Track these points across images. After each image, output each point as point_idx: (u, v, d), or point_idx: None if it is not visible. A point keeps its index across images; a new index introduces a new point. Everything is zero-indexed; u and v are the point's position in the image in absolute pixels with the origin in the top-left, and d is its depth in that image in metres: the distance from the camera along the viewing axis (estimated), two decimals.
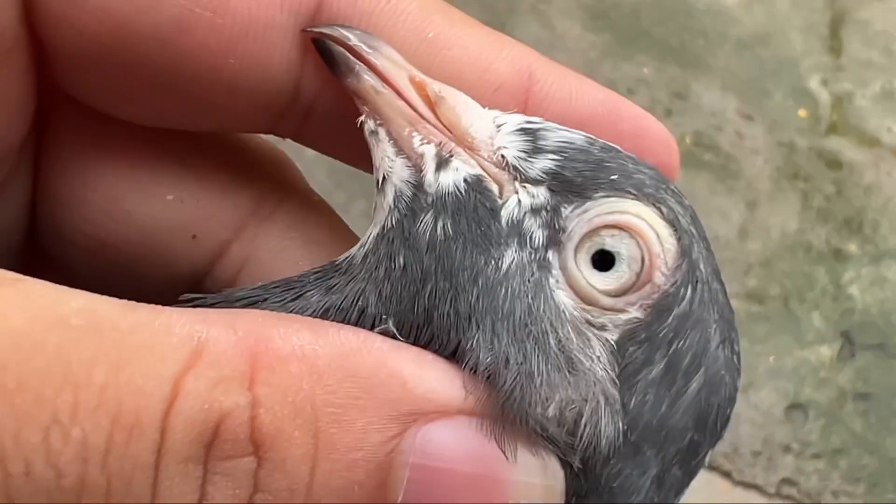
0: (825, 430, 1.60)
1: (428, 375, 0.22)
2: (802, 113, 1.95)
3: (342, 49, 0.26)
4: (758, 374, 1.61)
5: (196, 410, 0.20)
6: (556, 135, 0.26)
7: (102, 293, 0.21)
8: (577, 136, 0.26)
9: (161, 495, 0.20)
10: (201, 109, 0.27)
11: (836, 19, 2.10)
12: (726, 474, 1.53)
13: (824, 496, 1.55)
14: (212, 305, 0.26)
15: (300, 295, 0.26)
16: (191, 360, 0.20)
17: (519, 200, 0.26)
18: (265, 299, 0.26)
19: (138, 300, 0.22)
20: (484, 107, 0.27)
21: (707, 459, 0.26)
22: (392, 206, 0.26)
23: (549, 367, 0.23)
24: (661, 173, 0.27)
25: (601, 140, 0.27)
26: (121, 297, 0.21)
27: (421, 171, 0.26)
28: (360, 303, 0.25)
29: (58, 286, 0.20)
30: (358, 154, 0.27)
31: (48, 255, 0.28)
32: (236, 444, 0.20)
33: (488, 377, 0.23)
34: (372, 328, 0.24)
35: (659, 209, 0.25)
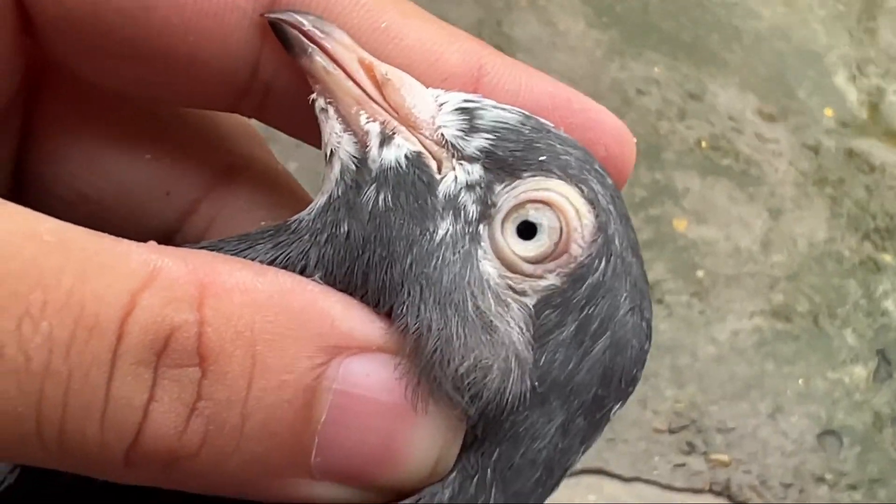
0: (861, 459, 1.60)
1: (352, 316, 0.27)
2: (829, 112, 1.98)
3: (297, 32, 0.29)
4: (786, 398, 1.61)
5: (150, 321, 0.24)
6: (491, 114, 0.29)
7: None
8: (510, 115, 0.30)
9: (114, 391, 0.24)
10: (166, 82, 0.30)
11: (864, 8, 2.14)
12: None
13: None
14: None
15: (251, 247, 0.29)
16: (146, 281, 0.24)
17: (455, 177, 0.29)
18: (221, 248, 0.29)
19: None
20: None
21: (613, 414, 0.30)
22: (339, 178, 0.29)
23: (467, 331, 0.27)
24: (588, 154, 0.31)
25: (534, 118, 0.30)
26: None
27: (366, 146, 0.29)
28: (302, 261, 0.28)
29: (34, 211, 0.24)
30: (312, 131, 0.31)
31: (31, 206, 0.31)
32: (183, 354, 0.24)
33: (415, 339, 0.27)
34: None
35: (580, 188, 0.29)
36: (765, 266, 1.75)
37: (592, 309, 0.29)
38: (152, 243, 0.25)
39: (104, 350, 0.23)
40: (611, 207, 0.30)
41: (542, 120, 0.30)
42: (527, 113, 0.30)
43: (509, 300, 0.28)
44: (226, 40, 0.29)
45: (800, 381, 1.63)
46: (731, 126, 1.92)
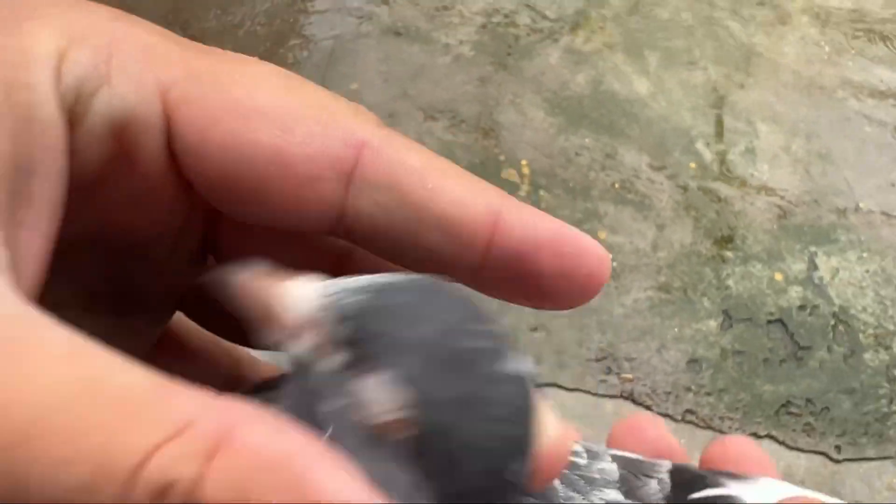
0: (713, 377, 1.76)
1: (344, 489, 0.22)
2: (693, 165, 2.09)
3: None
4: (667, 340, 1.80)
5: (158, 472, 0.21)
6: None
7: None
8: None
9: None
10: (286, 218, 0.32)
11: (714, 102, 2.27)
12: (648, 408, 1.73)
13: (714, 421, 1.73)
14: (262, 390, 0.29)
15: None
16: (172, 435, 0.21)
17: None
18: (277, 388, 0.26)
19: None
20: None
21: None
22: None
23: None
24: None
25: None
26: None
27: None
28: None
29: (105, 356, 0.21)
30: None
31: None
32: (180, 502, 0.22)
33: None
34: None
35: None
36: (654, 259, 1.90)
37: None
38: (220, 400, 0.22)
39: (117, 490, 0.21)
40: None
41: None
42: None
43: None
44: (319, 197, 0.31)
45: (675, 330, 1.79)
46: (633, 174, 2.05)
